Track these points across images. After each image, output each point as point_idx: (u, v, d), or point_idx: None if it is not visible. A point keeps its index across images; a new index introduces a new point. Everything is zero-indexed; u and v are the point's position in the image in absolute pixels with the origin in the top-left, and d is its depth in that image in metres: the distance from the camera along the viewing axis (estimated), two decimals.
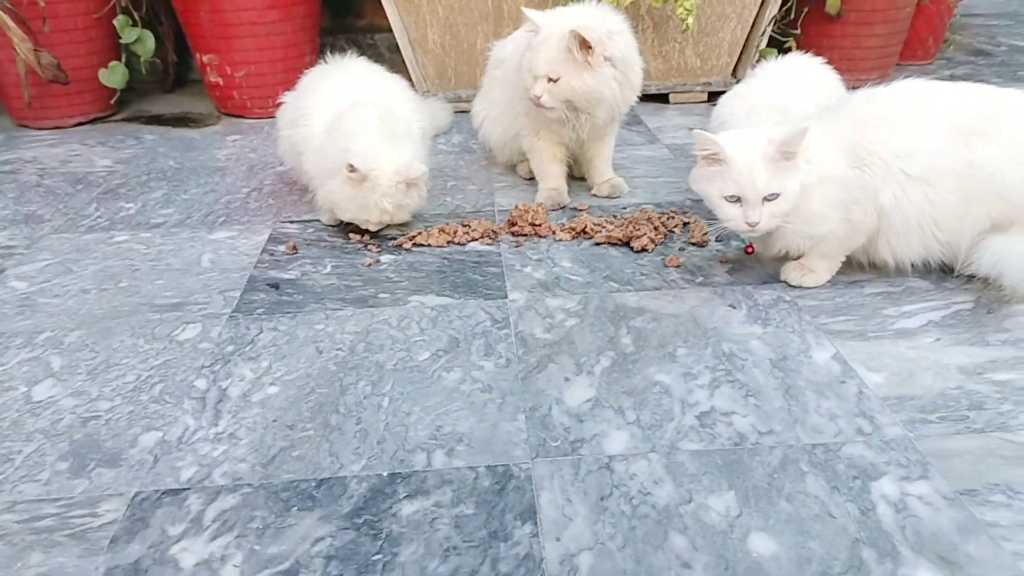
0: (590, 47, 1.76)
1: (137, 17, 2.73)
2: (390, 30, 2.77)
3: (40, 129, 2.76)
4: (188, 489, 1.12)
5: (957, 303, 1.51)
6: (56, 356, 1.44)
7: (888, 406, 1.24)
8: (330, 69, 2.02)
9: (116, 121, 2.84)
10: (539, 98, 1.81)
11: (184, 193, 2.18)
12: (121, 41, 2.70)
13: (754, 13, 2.73)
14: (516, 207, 1.91)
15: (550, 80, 1.80)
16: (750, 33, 2.77)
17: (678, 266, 1.69)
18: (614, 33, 1.83)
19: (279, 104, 2.09)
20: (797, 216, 1.49)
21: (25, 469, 1.16)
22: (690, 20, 2.47)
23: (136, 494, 1.11)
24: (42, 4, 2.53)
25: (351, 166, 1.71)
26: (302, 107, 1.91)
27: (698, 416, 1.23)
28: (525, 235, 1.85)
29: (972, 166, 1.48)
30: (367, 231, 1.85)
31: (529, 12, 1.85)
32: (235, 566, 0.99)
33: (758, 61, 2.77)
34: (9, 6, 2.49)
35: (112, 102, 2.82)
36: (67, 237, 1.92)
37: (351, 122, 1.79)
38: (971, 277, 1.55)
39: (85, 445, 1.21)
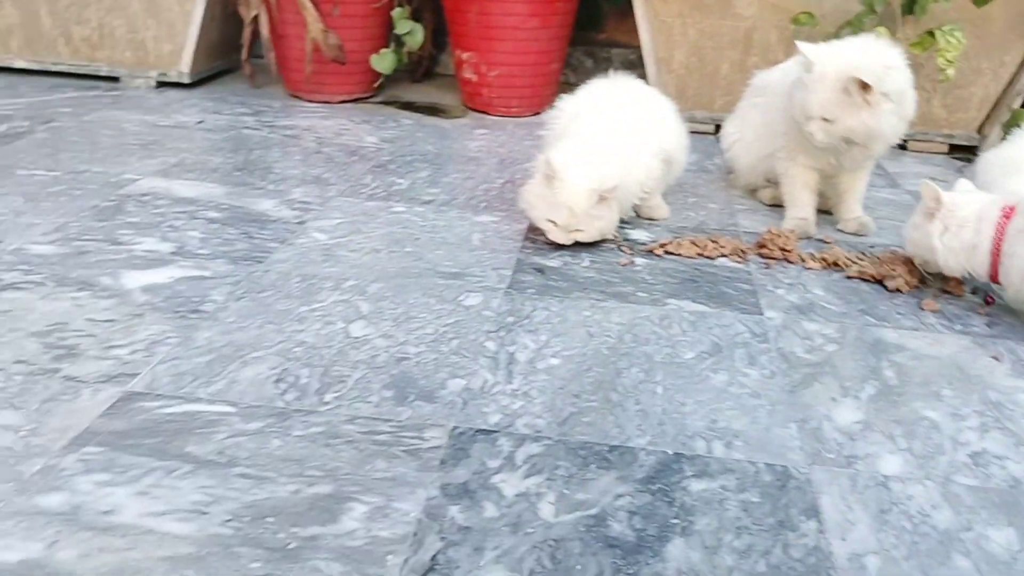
0: (868, 87, 1.80)
1: (408, 11, 2.98)
2: (626, 46, 2.90)
3: (310, 102, 3.05)
4: (497, 432, 1.26)
5: None
6: (363, 302, 1.63)
7: None
8: (611, 85, 2.13)
9: (374, 103, 3.10)
10: (813, 135, 1.86)
11: (445, 176, 2.38)
12: (394, 31, 2.96)
13: (1012, 72, 2.68)
14: (768, 230, 1.97)
15: (824, 120, 1.85)
16: (1004, 91, 2.72)
17: (936, 311, 1.71)
18: (891, 68, 1.84)
19: (547, 107, 2.25)
20: None
21: (357, 391, 1.34)
22: (950, 71, 2.46)
23: (454, 427, 1.26)
24: None
25: (547, 161, 1.82)
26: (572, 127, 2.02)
27: (970, 455, 1.27)
28: (774, 259, 1.92)
29: None
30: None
31: (803, 46, 1.89)
32: (550, 503, 1.12)
33: (1009, 122, 2.72)
34: None
35: (375, 85, 3.09)
36: (352, 201, 2.15)
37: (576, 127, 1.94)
38: None
39: (402, 380, 1.38)
